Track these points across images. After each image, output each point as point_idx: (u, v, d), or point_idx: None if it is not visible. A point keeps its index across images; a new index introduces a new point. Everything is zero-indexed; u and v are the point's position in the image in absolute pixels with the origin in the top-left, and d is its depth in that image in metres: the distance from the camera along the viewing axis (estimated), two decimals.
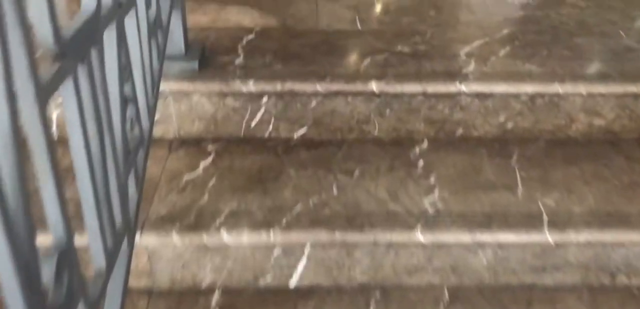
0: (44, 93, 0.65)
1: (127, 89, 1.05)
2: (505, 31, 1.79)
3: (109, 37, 0.95)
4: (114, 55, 0.97)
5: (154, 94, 1.23)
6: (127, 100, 1.05)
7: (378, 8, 1.97)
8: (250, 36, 1.69)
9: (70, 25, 0.79)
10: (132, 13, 1.07)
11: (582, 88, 1.47)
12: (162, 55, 1.31)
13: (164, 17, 1.33)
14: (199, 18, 1.81)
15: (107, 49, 0.96)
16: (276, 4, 1.96)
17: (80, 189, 0.83)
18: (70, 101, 0.78)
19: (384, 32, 1.76)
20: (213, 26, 1.76)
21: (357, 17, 1.88)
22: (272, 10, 1.91)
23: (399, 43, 1.68)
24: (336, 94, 1.45)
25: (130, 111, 1.07)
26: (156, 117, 1.42)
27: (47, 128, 0.65)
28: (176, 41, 1.47)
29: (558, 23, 1.88)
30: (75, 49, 0.79)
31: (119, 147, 1.00)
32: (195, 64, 1.47)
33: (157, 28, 1.25)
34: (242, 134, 1.49)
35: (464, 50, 1.64)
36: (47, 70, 0.69)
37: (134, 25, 1.09)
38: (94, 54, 0.86)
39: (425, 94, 1.46)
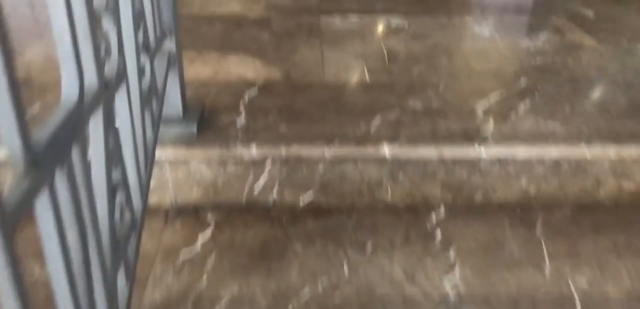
0: (11, 220, 0.54)
1: (115, 174, 0.94)
2: (523, 82, 1.69)
3: (95, 123, 0.85)
4: (101, 142, 0.86)
5: (148, 169, 1.12)
6: (116, 187, 0.94)
7: (386, 56, 1.87)
8: (253, 91, 1.59)
9: (46, 125, 0.68)
10: (122, 88, 0.97)
11: (612, 151, 1.37)
12: (157, 124, 1.20)
13: (160, 82, 1.23)
14: (199, 70, 1.71)
15: (92, 136, 0.86)
16: (280, 53, 1.87)
17: (57, 305, 0.72)
18: (45, 214, 0.67)
19: (394, 85, 1.66)
20: (213, 79, 1.66)
21: (365, 67, 1.78)
22: (276, 59, 1.81)
23: (410, 98, 1.58)
24: (345, 158, 1.35)
25: (119, 197, 0.96)
26: (151, 184, 1.31)
27: (16, 266, 0.54)
28: (173, 103, 1.37)
29: (578, 71, 1.78)
30: (53, 153, 0.68)
31: (105, 244, 0.89)
32: (193, 128, 1.36)
33: (151, 96, 1.15)
34: (243, 200, 1.38)
35: (481, 106, 1.54)
36: (15, 187, 0.58)
37: (125, 101, 0.98)
38: (75, 151, 0.75)
39: (441, 159, 1.35)
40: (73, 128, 0.74)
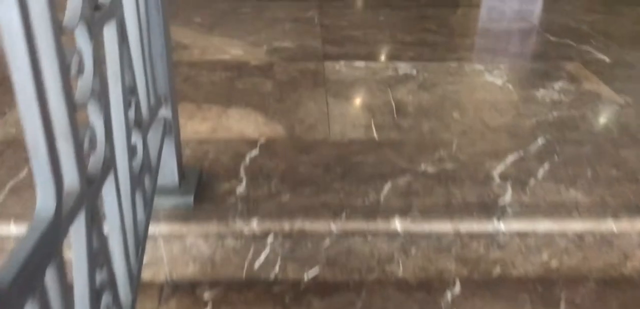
0: None
1: (101, 276, 0.85)
2: (541, 140, 1.60)
3: (76, 228, 0.76)
4: (83, 247, 0.77)
5: (139, 257, 1.03)
6: (101, 290, 0.85)
7: (395, 109, 1.78)
8: (254, 152, 1.50)
9: (14, 255, 0.59)
10: (110, 178, 0.88)
11: None
12: (150, 202, 1.11)
13: (153, 156, 1.14)
14: (198, 126, 1.63)
15: (73, 242, 0.77)
16: (283, 105, 1.78)
17: None
18: None
19: (403, 144, 1.57)
20: (212, 137, 1.57)
21: (372, 122, 1.69)
22: (279, 113, 1.73)
23: (422, 159, 1.48)
24: (353, 233, 1.25)
25: (105, 300, 0.87)
26: (144, 260, 1.22)
27: None
28: (168, 172, 1.28)
29: (598, 127, 1.69)
30: (22, 286, 0.59)
31: None
32: (190, 199, 1.27)
33: (143, 175, 1.06)
34: (243, 276, 1.28)
35: (497, 170, 1.44)
36: None
37: (113, 190, 0.89)
38: (50, 272, 0.66)
39: (457, 234, 1.26)
40: (48, 249, 0.65)
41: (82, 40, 0.76)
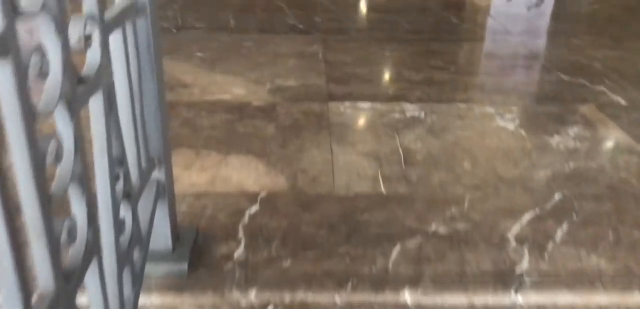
0: None
1: None
2: (557, 196, 1.51)
3: None
4: None
5: None
6: None
7: (403, 158, 1.70)
8: (254, 208, 1.41)
9: None
10: (93, 264, 0.79)
11: None
12: (140, 278, 1.03)
13: (145, 226, 1.06)
14: (196, 178, 1.54)
15: None
16: (285, 152, 1.70)
17: None
18: None
19: (412, 199, 1.48)
20: (211, 191, 1.49)
21: (379, 173, 1.60)
22: (281, 161, 1.65)
23: (433, 218, 1.40)
24: (359, 305, 1.16)
25: None
26: None
27: None
28: (161, 235, 1.19)
29: (617, 181, 1.60)
30: None
31: None
32: (184, 266, 1.18)
33: (133, 250, 0.98)
34: None
35: (513, 231, 1.35)
36: None
37: (96, 276, 0.81)
38: None
39: (472, 306, 1.16)
40: None
41: (61, 123, 0.68)
